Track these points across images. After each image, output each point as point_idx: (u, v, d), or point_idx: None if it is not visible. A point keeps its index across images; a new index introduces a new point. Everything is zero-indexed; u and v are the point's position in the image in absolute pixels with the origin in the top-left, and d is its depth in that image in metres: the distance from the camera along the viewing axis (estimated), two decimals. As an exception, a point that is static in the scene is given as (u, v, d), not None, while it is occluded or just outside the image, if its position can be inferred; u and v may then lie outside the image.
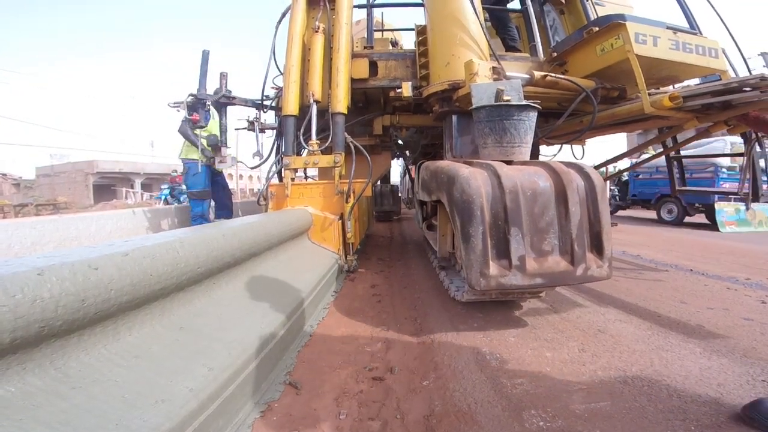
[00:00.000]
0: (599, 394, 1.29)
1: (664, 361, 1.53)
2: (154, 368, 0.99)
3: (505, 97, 2.11)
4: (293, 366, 1.51)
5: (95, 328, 0.94)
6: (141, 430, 0.79)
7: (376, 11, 4.31)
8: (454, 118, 3.04)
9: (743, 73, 2.86)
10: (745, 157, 3.00)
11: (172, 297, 1.25)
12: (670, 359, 1.55)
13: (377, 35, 4.37)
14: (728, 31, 3.00)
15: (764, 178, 3.24)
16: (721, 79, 2.73)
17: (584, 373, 1.45)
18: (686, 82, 3.17)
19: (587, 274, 1.64)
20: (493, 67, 2.67)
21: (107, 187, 26.66)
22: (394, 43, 5.10)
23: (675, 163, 3.90)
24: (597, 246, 1.69)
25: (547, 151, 5.00)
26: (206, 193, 3.83)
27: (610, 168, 6.94)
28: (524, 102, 2.09)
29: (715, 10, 2.98)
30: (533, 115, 2.09)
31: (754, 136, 2.95)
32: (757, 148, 3.06)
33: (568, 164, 1.84)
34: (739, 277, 2.87)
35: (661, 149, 3.98)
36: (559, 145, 4.43)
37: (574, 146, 4.43)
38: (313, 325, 1.96)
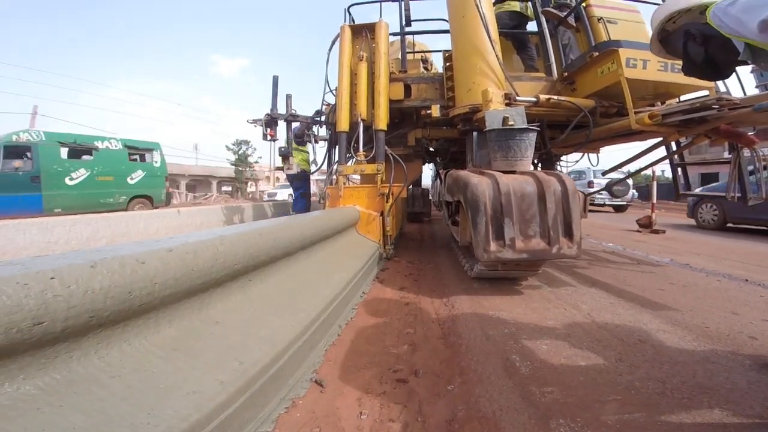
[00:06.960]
0: (634, 405, 1.23)
1: (708, 374, 1.43)
2: (189, 361, 1.05)
3: (510, 122, 2.69)
4: (320, 364, 1.55)
5: (138, 319, 1.01)
6: (171, 420, 0.84)
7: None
8: (475, 134, 3.53)
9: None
10: (731, 165, 3.15)
11: (210, 292, 1.31)
12: (715, 371, 1.45)
13: (409, 56, 4.89)
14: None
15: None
16: (709, 95, 3.08)
17: (620, 383, 1.38)
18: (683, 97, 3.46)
19: (560, 252, 2.24)
20: (505, 94, 3.16)
21: (156, 187, 28.17)
22: (425, 61, 5.57)
23: (679, 169, 3.98)
24: (568, 233, 2.28)
25: (569, 158, 5.70)
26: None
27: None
28: (525, 126, 2.67)
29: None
30: (533, 136, 2.67)
31: (737, 146, 3.09)
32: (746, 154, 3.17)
33: (550, 173, 2.42)
34: (803, 289, 2.63)
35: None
36: (580, 154, 5.13)
37: (590, 153, 5.13)
38: (341, 324, 1.99)
